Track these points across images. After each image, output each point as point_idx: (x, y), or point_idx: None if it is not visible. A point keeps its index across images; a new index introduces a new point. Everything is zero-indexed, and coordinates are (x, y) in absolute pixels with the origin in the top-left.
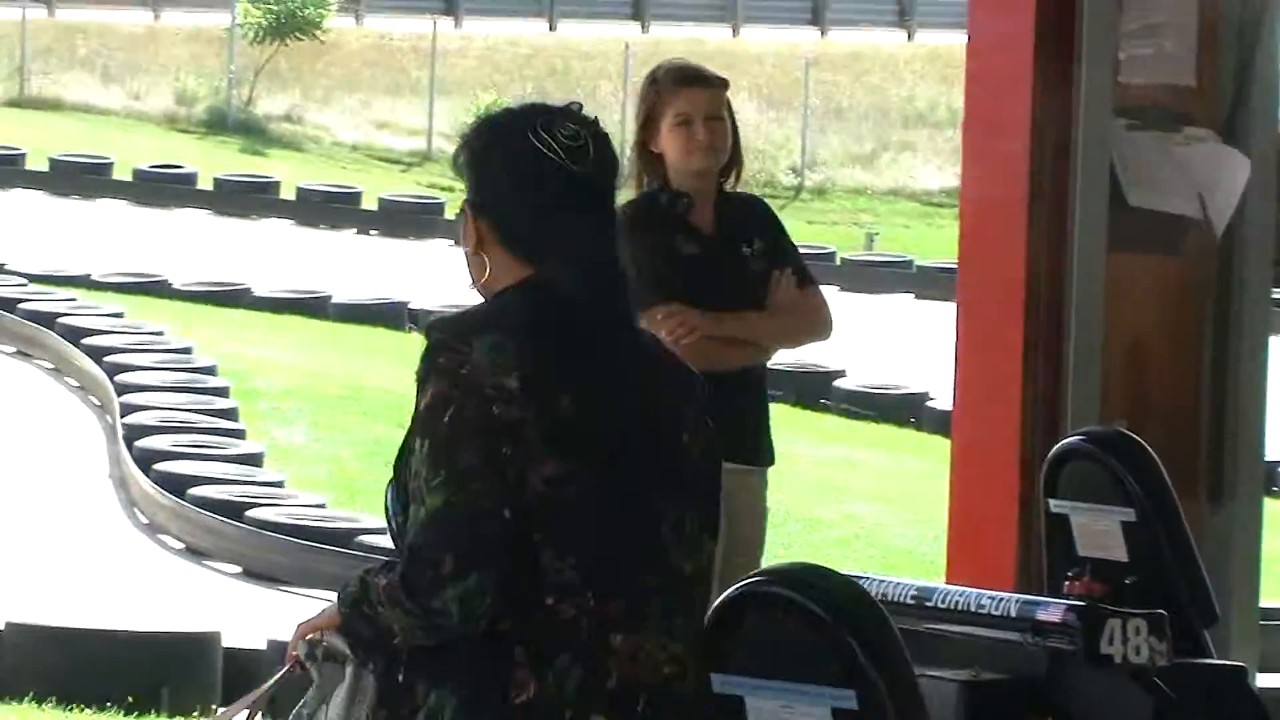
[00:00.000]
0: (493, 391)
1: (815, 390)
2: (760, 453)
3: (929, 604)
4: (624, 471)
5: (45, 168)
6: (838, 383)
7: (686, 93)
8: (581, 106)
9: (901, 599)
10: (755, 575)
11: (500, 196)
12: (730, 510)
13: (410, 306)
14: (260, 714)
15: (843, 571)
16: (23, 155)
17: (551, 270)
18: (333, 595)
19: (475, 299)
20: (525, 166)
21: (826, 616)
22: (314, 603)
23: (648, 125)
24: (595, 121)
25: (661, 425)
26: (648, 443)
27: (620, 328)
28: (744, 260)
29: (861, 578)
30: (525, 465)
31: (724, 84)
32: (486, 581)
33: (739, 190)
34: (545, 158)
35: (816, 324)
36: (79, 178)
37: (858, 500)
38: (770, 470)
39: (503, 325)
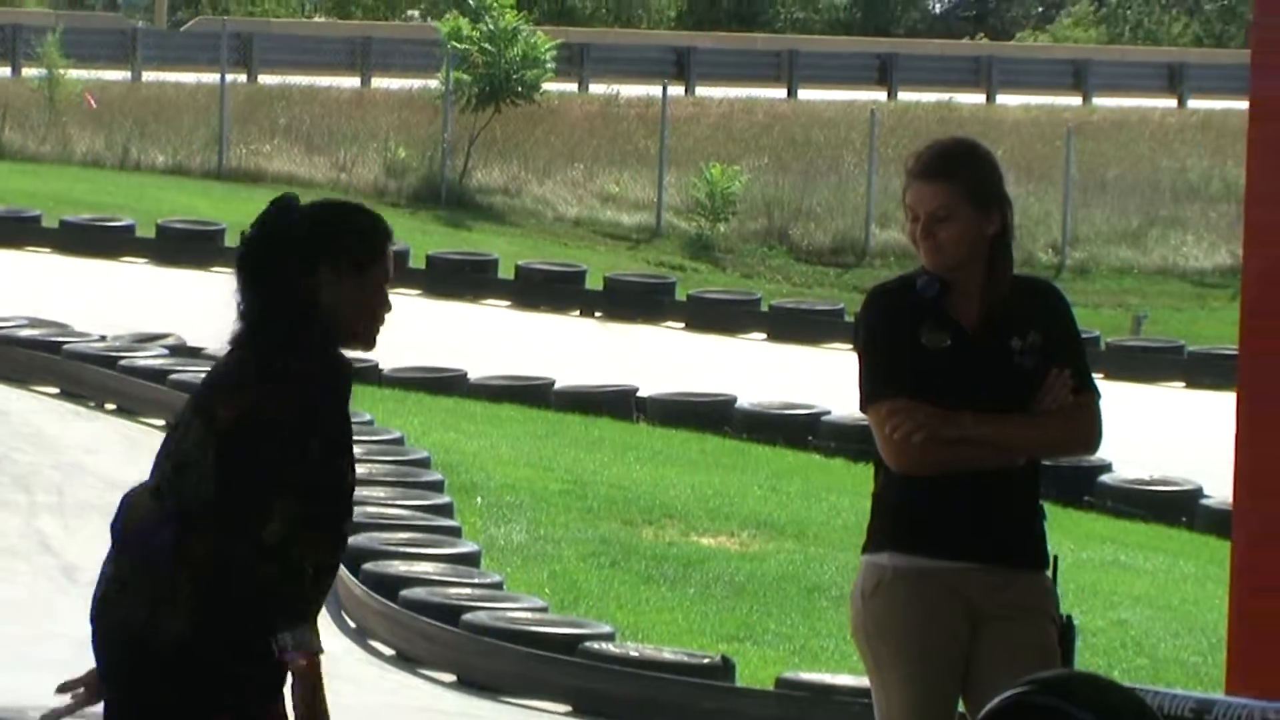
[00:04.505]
0: None
1: (1078, 487)
2: (1023, 556)
3: (1209, 718)
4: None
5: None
6: (1103, 478)
7: (915, 186)
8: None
9: (1179, 713)
10: (1022, 684)
11: None
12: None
13: (639, 394)
14: None
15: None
16: (222, 231)
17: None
18: (556, 705)
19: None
20: None
21: None
22: (534, 714)
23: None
24: (283, 200)
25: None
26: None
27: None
28: (1009, 355)
29: (1137, 690)
30: None
31: (958, 178)
32: None
33: (1029, 275)
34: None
35: (1078, 440)
36: None
37: (1125, 606)
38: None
39: None
